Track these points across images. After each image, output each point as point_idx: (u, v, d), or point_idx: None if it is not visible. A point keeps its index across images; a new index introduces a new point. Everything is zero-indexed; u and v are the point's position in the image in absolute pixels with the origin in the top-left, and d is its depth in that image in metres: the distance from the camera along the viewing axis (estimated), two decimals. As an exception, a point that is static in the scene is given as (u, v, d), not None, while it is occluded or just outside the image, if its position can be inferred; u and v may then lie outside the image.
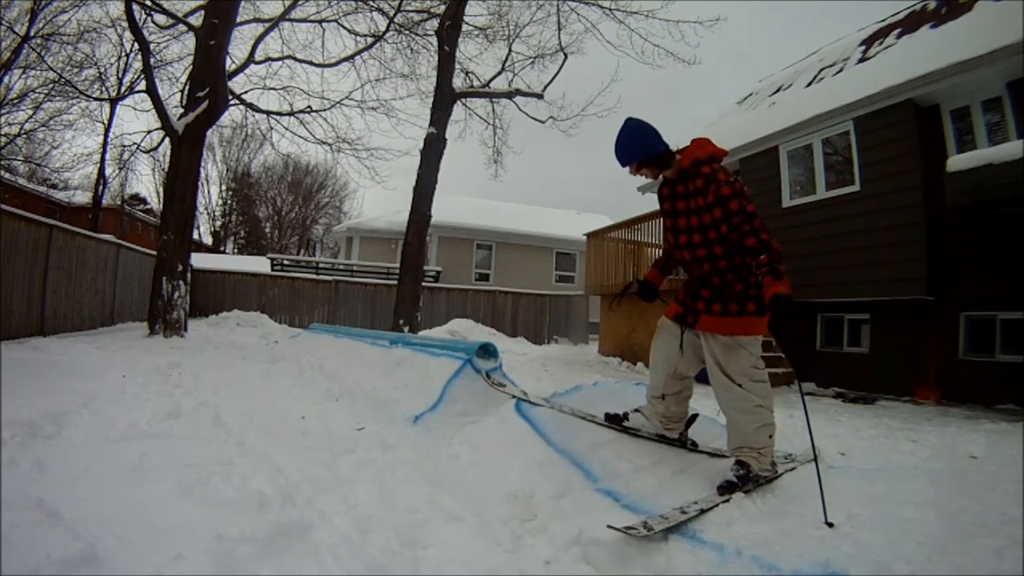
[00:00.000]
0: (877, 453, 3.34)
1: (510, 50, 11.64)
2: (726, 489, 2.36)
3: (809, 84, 9.34)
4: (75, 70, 15.95)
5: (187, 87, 9.64)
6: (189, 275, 8.38)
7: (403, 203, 13.21)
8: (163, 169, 20.97)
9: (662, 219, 2.88)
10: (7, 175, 21.89)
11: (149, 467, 2.40)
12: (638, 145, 2.59)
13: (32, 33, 14.97)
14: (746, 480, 2.44)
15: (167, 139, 9.29)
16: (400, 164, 16.61)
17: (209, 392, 4.10)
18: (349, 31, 12.08)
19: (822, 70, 9.49)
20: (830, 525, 2.08)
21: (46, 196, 24.83)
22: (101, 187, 20.96)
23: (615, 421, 2.88)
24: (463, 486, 2.44)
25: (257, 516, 1.99)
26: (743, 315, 2.49)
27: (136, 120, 58.45)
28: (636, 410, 2.90)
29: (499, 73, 11.69)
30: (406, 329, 9.36)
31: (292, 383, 4.94)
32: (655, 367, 2.83)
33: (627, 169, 2.68)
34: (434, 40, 11.00)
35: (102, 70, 16.49)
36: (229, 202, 41.04)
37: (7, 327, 6.38)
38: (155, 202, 32.79)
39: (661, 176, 2.70)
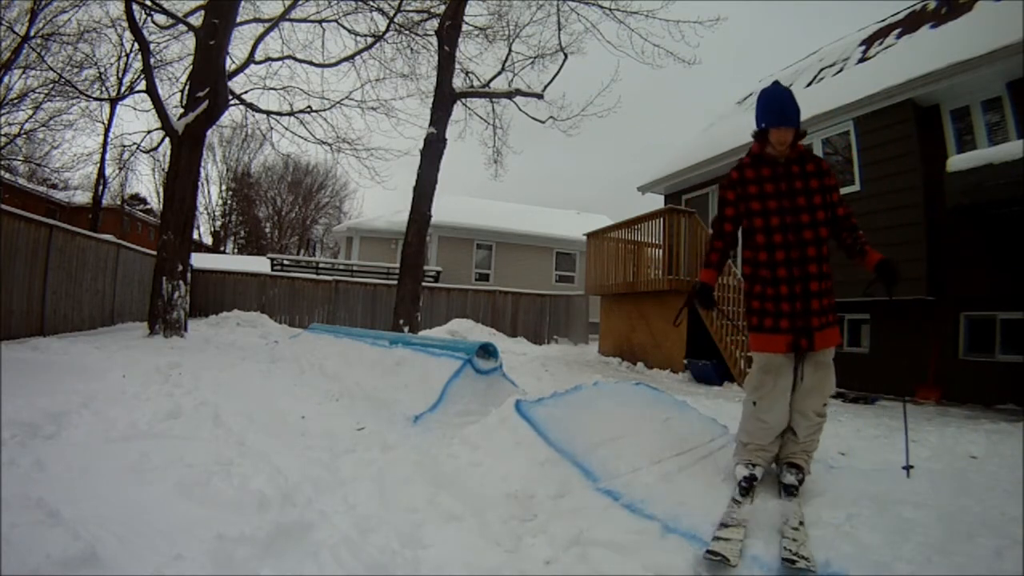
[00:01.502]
0: (877, 453, 3.34)
1: (510, 50, 11.64)
2: (795, 495, 2.36)
3: (809, 84, 9.34)
4: (75, 70, 15.94)
5: (187, 87, 9.63)
6: (189, 275, 8.37)
7: (403, 203, 13.20)
8: (163, 169, 20.93)
9: (744, 207, 2.54)
10: (7, 175, 21.88)
11: (149, 467, 2.40)
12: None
13: (32, 33, 14.96)
14: (802, 481, 2.45)
15: (167, 139, 9.28)
16: (401, 163, 16.60)
17: (209, 392, 4.10)
18: (349, 31, 12.08)
19: (822, 70, 9.50)
20: (910, 467, 2.36)
21: (46, 196, 24.81)
22: (101, 187, 20.94)
23: (751, 486, 2.43)
24: (463, 486, 2.44)
25: (257, 516, 1.98)
26: (837, 323, 2.49)
27: (136, 120, 58.42)
28: (753, 465, 2.50)
29: (499, 73, 11.68)
30: (406, 329, 9.35)
31: (292, 383, 4.94)
32: (775, 415, 2.47)
33: (778, 129, 2.43)
34: (434, 40, 10.99)
35: (102, 70, 16.49)
36: (229, 202, 41.05)
37: (7, 327, 6.38)
38: (155, 202, 32.79)
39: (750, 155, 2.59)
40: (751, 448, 2.55)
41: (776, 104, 2.46)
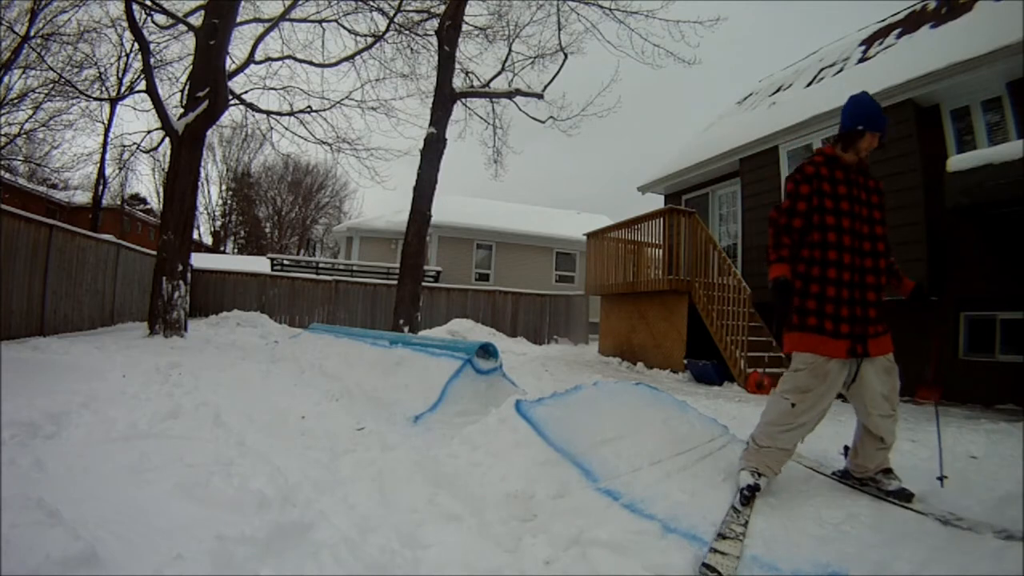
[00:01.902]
0: (877, 453, 3.33)
1: (510, 50, 11.65)
2: (911, 496, 2.37)
3: (809, 84, 9.34)
4: (75, 70, 15.93)
5: (187, 87, 9.63)
6: (189, 275, 8.38)
7: (403, 203, 13.22)
8: (163, 169, 21.01)
9: (817, 202, 2.49)
10: (7, 175, 21.88)
11: (149, 467, 2.40)
12: None
13: (32, 33, 14.95)
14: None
15: (167, 139, 9.28)
16: (401, 163, 16.60)
17: (209, 392, 4.10)
18: (349, 31, 12.09)
19: (822, 70, 9.50)
20: (944, 478, 2.43)
21: (46, 196, 24.82)
22: (101, 187, 20.92)
23: (752, 496, 2.37)
24: (463, 486, 2.44)
25: (257, 516, 1.99)
26: (890, 331, 2.54)
27: (136, 120, 58.57)
28: (759, 475, 2.44)
29: (499, 73, 11.69)
30: (406, 329, 9.35)
31: (292, 383, 4.94)
32: (812, 416, 2.48)
33: (873, 135, 2.49)
34: (434, 40, 11.00)
35: (102, 70, 16.48)
36: (229, 202, 41.07)
37: (7, 327, 6.38)
38: (155, 202, 32.86)
39: (821, 157, 2.60)
40: (768, 452, 2.47)
41: (874, 111, 2.52)
